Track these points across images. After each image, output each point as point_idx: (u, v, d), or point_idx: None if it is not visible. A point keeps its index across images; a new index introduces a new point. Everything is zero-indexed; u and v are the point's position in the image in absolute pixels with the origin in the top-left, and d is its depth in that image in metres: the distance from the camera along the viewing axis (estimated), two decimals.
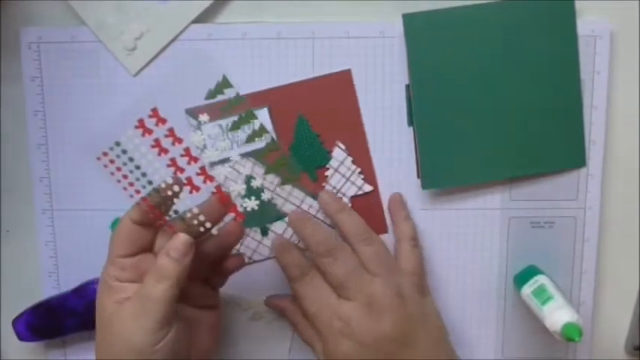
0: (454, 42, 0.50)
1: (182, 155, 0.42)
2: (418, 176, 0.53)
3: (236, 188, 0.44)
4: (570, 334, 0.46)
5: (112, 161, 0.43)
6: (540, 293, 0.49)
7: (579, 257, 0.53)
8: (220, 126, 0.52)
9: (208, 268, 0.47)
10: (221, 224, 0.45)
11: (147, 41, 0.51)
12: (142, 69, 0.52)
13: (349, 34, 0.51)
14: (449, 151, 0.51)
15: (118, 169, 0.43)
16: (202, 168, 0.42)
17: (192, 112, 0.52)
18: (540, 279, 0.51)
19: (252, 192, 0.52)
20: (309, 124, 0.52)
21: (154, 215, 0.43)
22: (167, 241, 0.43)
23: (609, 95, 0.52)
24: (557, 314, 0.47)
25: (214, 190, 0.42)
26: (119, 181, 0.43)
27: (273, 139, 0.52)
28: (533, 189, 0.53)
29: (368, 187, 0.53)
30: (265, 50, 0.51)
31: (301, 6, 0.51)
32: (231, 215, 0.43)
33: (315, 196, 0.53)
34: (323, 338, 0.48)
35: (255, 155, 0.52)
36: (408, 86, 0.52)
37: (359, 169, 0.53)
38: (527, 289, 0.50)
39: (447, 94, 0.51)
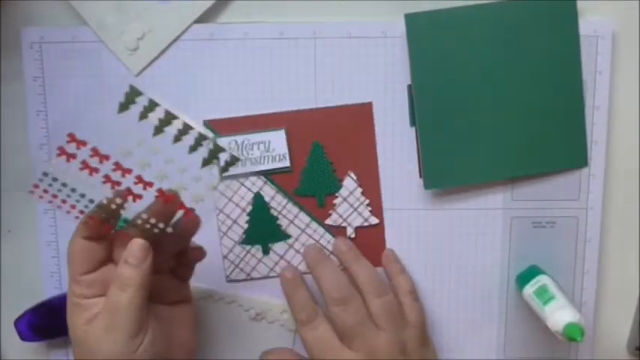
0: (456, 42, 0.50)
1: (114, 170, 0.42)
2: (420, 176, 0.53)
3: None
4: (572, 334, 0.46)
5: (45, 191, 0.43)
6: (542, 293, 0.49)
7: (581, 257, 0.53)
8: (236, 142, 0.52)
9: (173, 261, 0.47)
10: (174, 220, 0.45)
11: (149, 41, 0.51)
12: (144, 69, 0.52)
13: (351, 34, 0.51)
14: (451, 151, 0.51)
15: (54, 196, 0.43)
16: (138, 177, 0.42)
17: (209, 124, 0.52)
18: (542, 279, 0.51)
19: (259, 211, 0.53)
20: (324, 150, 0.52)
21: (105, 229, 0.43)
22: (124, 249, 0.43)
23: (611, 95, 0.52)
24: (559, 314, 0.47)
25: (157, 194, 0.42)
26: (59, 206, 0.43)
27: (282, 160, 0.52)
28: (535, 189, 0.53)
29: (374, 220, 0.53)
30: (267, 50, 0.51)
31: (303, 6, 0.51)
32: (180, 211, 0.44)
33: (320, 222, 0.53)
34: None
35: (266, 174, 0.53)
36: (410, 86, 0.51)
37: (367, 201, 0.53)
38: (529, 289, 0.51)
39: (449, 95, 0.51)
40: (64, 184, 0.43)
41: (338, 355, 0.48)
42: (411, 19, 0.50)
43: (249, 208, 0.53)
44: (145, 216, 0.42)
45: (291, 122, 0.52)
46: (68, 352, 0.55)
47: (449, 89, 0.51)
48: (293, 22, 0.51)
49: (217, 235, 0.53)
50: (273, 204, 0.53)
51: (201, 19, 0.51)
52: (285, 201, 0.53)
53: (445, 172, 0.52)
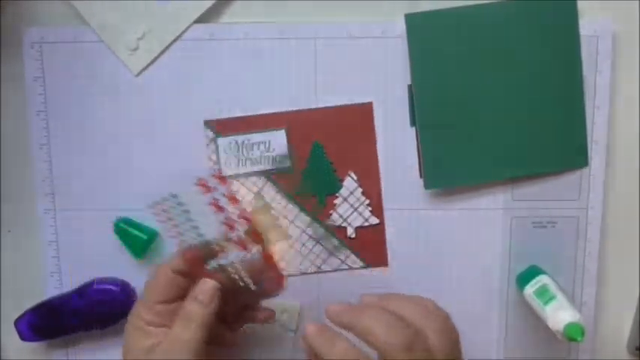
0: (456, 42, 0.50)
1: (239, 216, 0.44)
2: (420, 176, 0.53)
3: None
4: (573, 334, 0.46)
5: (164, 210, 0.44)
6: (542, 293, 0.49)
7: (581, 257, 0.53)
8: (236, 142, 0.52)
9: (237, 314, 0.48)
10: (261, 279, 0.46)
11: (149, 41, 0.51)
12: (145, 69, 0.52)
13: (351, 34, 0.51)
14: (451, 151, 0.51)
15: (170, 218, 0.44)
16: (255, 230, 0.44)
17: (210, 124, 0.52)
18: (542, 279, 0.51)
19: (259, 210, 0.53)
20: (325, 151, 0.52)
21: (196, 266, 0.44)
22: None
23: (611, 95, 0.52)
24: (560, 314, 0.47)
25: (262, 251, 0.44)
26: (169, 230, 0.44)
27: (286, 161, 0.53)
28: (535, 189, 0.53)
29: (374, 220, 0.53)
30: (267, 50, 0.51)
31: (303, 6, 0.51)
32: (274, 274, 0.45)
33: (320, 222, 0.53)
34: None
35: (267, 175, 0.53)
36: (410, 86, 0.52)
37: (367, 201, 0.53)
38: (529, 289, 0.51)
39: (449, 95, 0.51)
40: (186, 211, 0.44)
41: None
42: (411, 19, 0.50)
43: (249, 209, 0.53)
44: (238, 266, 0.44)
45: (291, 122, 0.52)
46: (68, 352, 0.55)
47: (449, 89, 0.51)
48: (293, 22, 0.51)
49: None
50: (273, 204, 0.53)
51: (202, 19, 0.51)
52: (285, 201, 0.53)
53: (445, 172, 0.52)
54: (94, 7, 0.51)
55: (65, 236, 0.54)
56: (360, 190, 0.53)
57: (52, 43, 0.52)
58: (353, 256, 0.54)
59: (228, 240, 0.44)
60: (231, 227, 0.44)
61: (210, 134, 0.52)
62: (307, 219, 0.53)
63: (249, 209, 0.44)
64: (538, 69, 0.51)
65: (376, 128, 0.52)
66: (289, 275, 0.54)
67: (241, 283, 0.44)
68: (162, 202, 0.44)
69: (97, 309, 0.52)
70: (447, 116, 0.51)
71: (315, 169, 0.53)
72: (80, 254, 0.54)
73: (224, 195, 0.44)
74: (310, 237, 0.53)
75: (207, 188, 0.44)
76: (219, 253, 0.44)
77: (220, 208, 0.44)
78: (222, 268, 0.44)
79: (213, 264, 0.45)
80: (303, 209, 0.53)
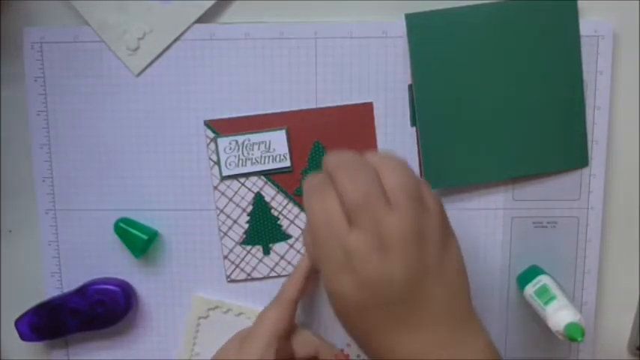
0: (457, 42, 0.50)
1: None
2: (421, 176, 0.53)
3: None
4: (573, 334, 0.46)
5: None
6: (543, 293, 0.49)
7: (582, 257, 0.53)
8: (237, 142, 0.52)
9: None
10: None
11: (150, 41, 0.51)
12: (145, 69, 0.52)
13: (352, 34, 0.51)
14: (452, 151, 0.51)
15: None
16: None
17: (210, 124, 0.52)
18: (543, 279, 0.51)
19: (259, 211, 0.53)
20: (325, 150, 0.52)
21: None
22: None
23: (612, 95, 0.52)
24: (560, 314, 0.47)
25: None
26: None
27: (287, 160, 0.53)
28: (535, 189, 0.53)
29: None
30: (268, 50, 0.51)
31: (304, 6, 0.51)
32: None
33: None
34: (323, 270, 0.40)
35: (267, 175, 0.53)
36: (410, 86, 0.52)
37: None
38: (529, 289, 0.51)
39: (449, 95, 0.51)
40: None
41: (343, 236, 0.38)
42: (411, 19, 0.50)
43: (249, 209, 0.53)
44: None
45: (291, 122, 0.52)
46: (68, 352, 0.55)
47: (449, 89, 0.51)
48: (294, 22, 0.51)
49: (218, 235, 0.53)
50: (273, 204, 0.53)
51: (202, 19, 0.51)
52: (285, 201, 0.53)
53: (446, 172, 0.52)
54: (94, 7, 0.51)
55: (65, 236, 0.54)
56: None
57: (52, 43, 0.52)
58: None
59: None
60: None
61: (211, 134, 0.52)
62: None
63: None
64: (538, 69, 0.51)
65: (376, 128, 0.52)
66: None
67: None
68: None
69: (97, 309, 0.52)
70: (448, 116, 0.51)
71: (315, 169, 0.53)
72: (80, 254, 0.54)
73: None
74: None
75: None
76: None
77: None
78: None
79: None
80: (303, 209, 0.53)
